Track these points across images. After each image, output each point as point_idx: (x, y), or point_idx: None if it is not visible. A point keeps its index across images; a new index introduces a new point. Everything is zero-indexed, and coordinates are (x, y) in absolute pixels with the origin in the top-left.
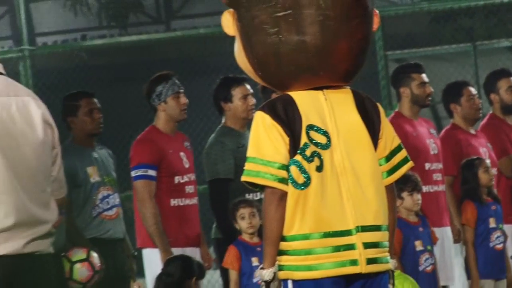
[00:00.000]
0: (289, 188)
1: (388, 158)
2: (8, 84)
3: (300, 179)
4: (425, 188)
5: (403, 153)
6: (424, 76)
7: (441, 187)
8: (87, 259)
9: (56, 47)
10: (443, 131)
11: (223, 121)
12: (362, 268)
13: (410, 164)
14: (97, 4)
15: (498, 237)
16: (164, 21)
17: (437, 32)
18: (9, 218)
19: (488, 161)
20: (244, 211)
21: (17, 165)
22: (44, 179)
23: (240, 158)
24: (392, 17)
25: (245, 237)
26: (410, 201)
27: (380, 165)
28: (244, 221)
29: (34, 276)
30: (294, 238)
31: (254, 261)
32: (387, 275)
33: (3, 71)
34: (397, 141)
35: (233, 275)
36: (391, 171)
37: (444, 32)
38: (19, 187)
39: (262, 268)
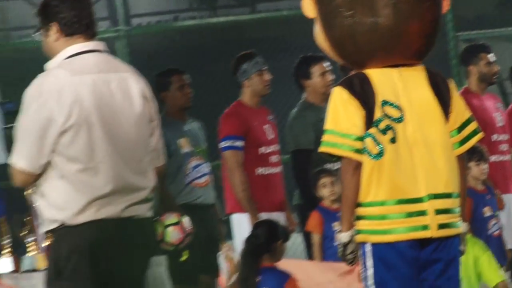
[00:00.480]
0: (365, 159)
1: (459, 129)
2: (109, 62)
3: (375, 150)
4: (492, 158)
5: (473, 125)
6: (491, 55)
7: (507, 157)
8: (179, 223)
9: (150, 27)
10: (510, 105)
11: (304, 96)
12: (433, 232)
13: (480, 135)
14: None
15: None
16: (250, 3)
17: (505, 14)
18: (108, 185)
19: None
20: (325, 180)
21: (116, 137)
22: (142, 150)
23: (320, 130)
24: (462, 0)
25: (327, 203)
26: (477, 171)
27: (452, 136)
28: (326, 189)
29: (133, 238)
30: (370, 204)
31: (335, 225)
32: (458, 238)
33: (104, 50)
34: (467, 113)
35: (316, 238)
36: (462, 142)
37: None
38: (118, 157)
39: (339, 232)
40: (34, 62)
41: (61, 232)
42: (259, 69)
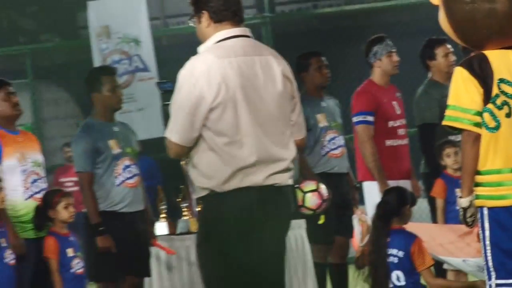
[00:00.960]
0: (483, 131)
1: None
2: (254, 45)
3: (492, 123)
4: None
5: None
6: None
7: None
8: (317, 190)
9: (292, 14)
10: None
11: (429, 75)
12: None
13: None
14: None
15: None
16: None
17: None
18: (252, 156)
19: None
20: (449, 150)
21: (260, 113)
22: (283, 124)
23: (443, 106)
24: None
25: (450, 171)
26: None
27: None
28: (450, 159)
29: (274, 203)
30: (487, 172)
31: (457, 191)
32: None
33: (249, 35)
34: None
35: (440, 203)
36: None
37: None
38: (261, 131)
39: (460, 197)
40: (188, 46)
41: (210, 199)
42: (389, 51)
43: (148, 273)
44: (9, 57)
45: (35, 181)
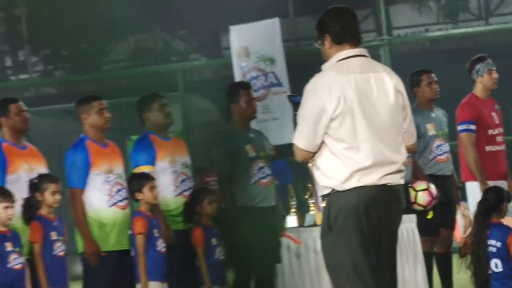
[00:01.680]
0: None
1: None
2: (369, 63)
3: None
4: None
5: None
6: None
7: None
8: (427, 189)
9: (407, 37)
10: None
11: None
12: None
13: None
14: (436, 6)
15: None
16: (484, 17)
17: None
18: (368, 159)
19: None
20: None
21: (375, 121)
22: (396, 131)
23: None
24: None
25: None
26: None
27: None
28: None
29: (388, 200)
30: None
31: None
32: None
33: (366, 54)
34: None
35: None
36: None
37: None
38: (376, 138)
39: None
40: (315, 65)
41: (332, 196)
42: (489, 68)
43: (279, 260)
44: (163, 74)
45: (183, 180)
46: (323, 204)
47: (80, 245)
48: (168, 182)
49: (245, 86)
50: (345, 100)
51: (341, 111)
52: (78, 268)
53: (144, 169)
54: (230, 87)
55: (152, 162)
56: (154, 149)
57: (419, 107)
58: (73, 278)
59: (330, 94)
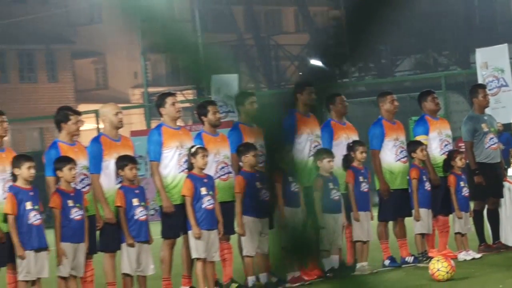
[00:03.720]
0: None
1: None
2: None
3: None
4: None
5: None
6: None
7: None
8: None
9: None
10: None
11: None
12: None
13: None
14: None
15: None
16: None
17: None
18: None
19: None
20: None
21: None
22: None
23: None
24: None
25: None
26: None
27: None
28: None
29: None
30: None
31: None
32: None
33: None
34: None
35: None
36: None
37: None
38: None
39: None
40: None
41: None
42: None
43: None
44: (432, 79)
45: None
46: None
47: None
48: None
49: (483, 86)
50: None
51: None
52: None
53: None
54: (472, 87)
55: (427, 132)
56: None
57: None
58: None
59: None
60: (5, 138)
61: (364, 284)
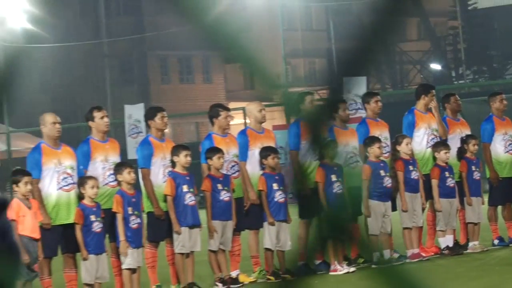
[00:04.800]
0: None
1: None
2: None
3: None
4: None
5: None
6: None
7: None
8: None
9: None
10: None
11: None
12: None
13: None
14: None
15: None
16: None
17: None
18: None
19: None
20: None
21: None
22: None
23: None
24: None
25: None
26: None
27: None
28: None
29: None
30: None
31: None
32: None
33: None
34: None
35: None
36: None
37: None
38: None
39: None
40: None
41: None
42: None
43: None
44: None
45: None
46: None
47: None
48: None
49: None
50: None
51: None
52: None
53: None
54: None
55: None
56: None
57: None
58: None
59: None
60: (166, 131)
61: (476, 260)
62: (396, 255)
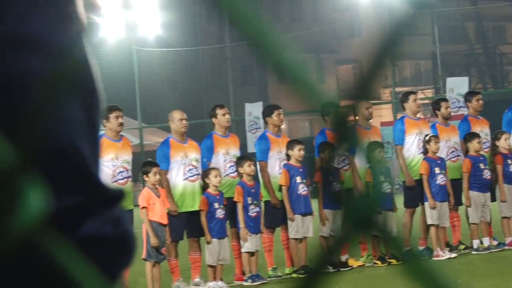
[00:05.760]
0: None
1: None
2: None
3: None
4: None
5: None
6: None
7: None
8: None
9: None
10: None
11: None
12: None
13: None
14: None
15: None
16: None
17: None
18: None
19: None
20: None
21: None
22: None
23: None
24: None
25: None
26: None
27: None
28: None
29: None
30: None
31: None
32: None
33: None
34: None
35: None
36: None
37: None
38: None
39: None
40: None
41: None
42: None
43: None
44: None
45: None
46: None
47: None
48: None
49: None
50: None
51: None
52: None
53: None
54: None
55: None
56: None
57: None
58: None
59: None
60: (282, 127)
61: None
62: (495, 243)
